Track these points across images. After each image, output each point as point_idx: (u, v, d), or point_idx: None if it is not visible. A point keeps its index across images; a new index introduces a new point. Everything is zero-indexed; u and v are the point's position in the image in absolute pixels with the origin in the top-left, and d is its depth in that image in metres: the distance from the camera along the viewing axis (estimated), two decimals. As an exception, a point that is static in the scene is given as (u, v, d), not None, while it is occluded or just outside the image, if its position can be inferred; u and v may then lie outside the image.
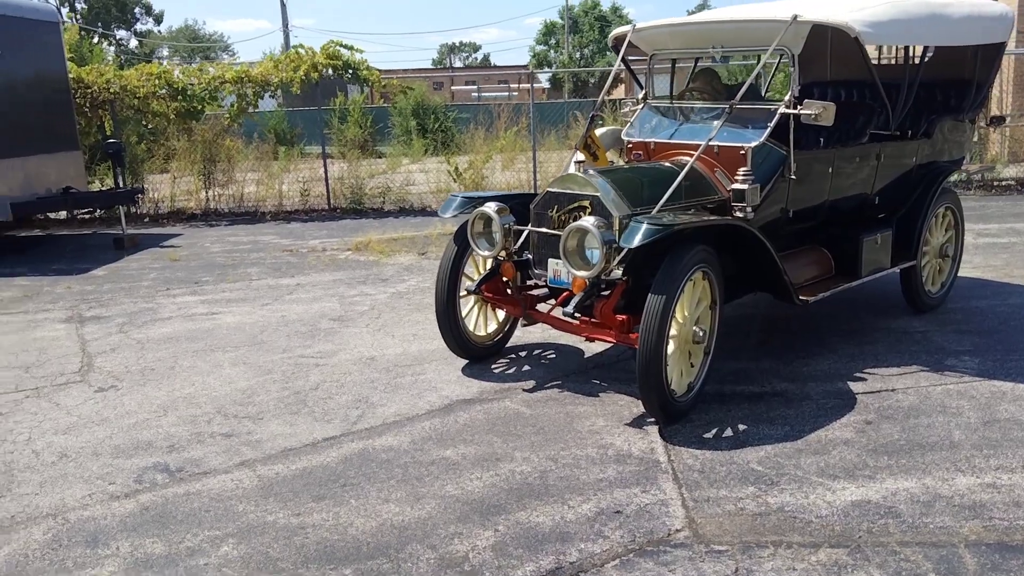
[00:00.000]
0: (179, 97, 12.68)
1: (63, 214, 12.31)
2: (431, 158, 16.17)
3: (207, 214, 12.91)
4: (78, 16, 54.09)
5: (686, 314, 4.38)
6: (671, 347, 4.25)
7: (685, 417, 4.42)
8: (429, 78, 41.83)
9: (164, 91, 12.64)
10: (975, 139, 12.46)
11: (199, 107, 12.84)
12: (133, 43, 60.74)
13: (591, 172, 4.74)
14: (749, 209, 4.76)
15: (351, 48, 13.12)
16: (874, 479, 3.75)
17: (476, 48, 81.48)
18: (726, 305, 4.82)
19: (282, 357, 5.68)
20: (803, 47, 5.03)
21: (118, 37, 58.64)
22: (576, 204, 4.63)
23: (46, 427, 4.60)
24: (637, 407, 4.55)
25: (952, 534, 3.29)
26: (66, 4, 53.25)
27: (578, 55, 57.22)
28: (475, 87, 41.37)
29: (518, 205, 5.00)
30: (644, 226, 4.14)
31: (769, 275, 4.85)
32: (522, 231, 4.91)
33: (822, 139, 5.53)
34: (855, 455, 3.98)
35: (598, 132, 5.88)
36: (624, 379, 5.01)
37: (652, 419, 4.40)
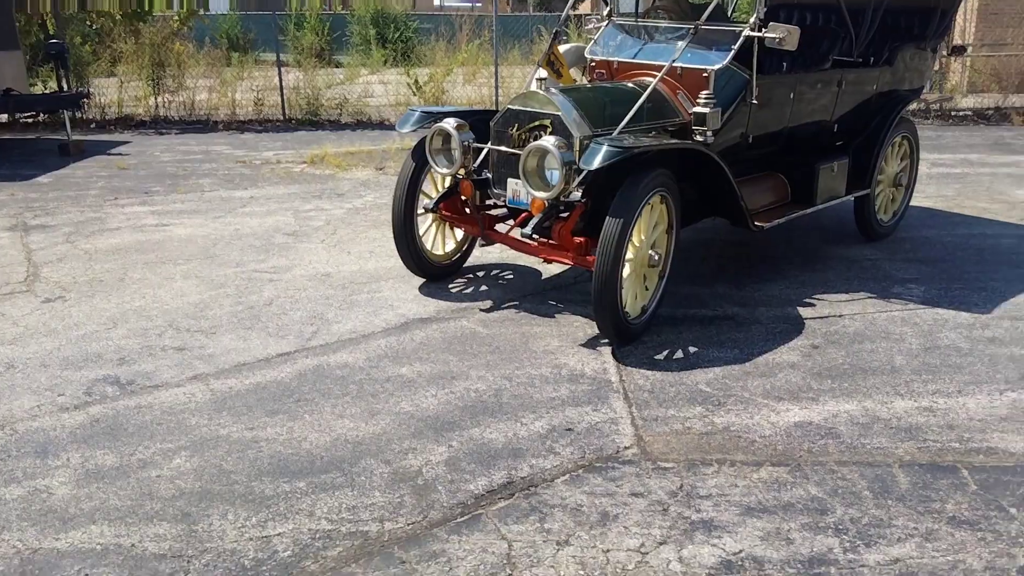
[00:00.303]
0: (125, -4, 12.13)
1: (4, 118, 11.81)
2: (391, 69, 15.78)
3: (156, 121, 12.49)
4: (15, -96, 50.94)
5: (643, 238, 4.40)
6: (627, 270, 4.28)
7: (638, 339, 4.48)
8: (389, -15, 40.44)
9: (109, -11, 12.07)
10: (935, 68, 12.51)
11: (146, 8, 12.30)
12: (76, -64, 57.55)
13: (553, 90, 4.65)
14: (710, 133, 4.73)
15: (308, -50, 12.62)
16: (817, 401, 3.87)
17: (438, -45, 78.60)
18: (684, 229, 4.86)
19: (235, 271, 5.61)
20: None
21: (59, -71, 55.51)
22: (537, 123, 4.57)
23: (-8, 337, 4.51)
24: (592, 328, 4.60)
25: (888, 454, 3.43)
26: None
27: (543, -33, 55.66)
28: (437, -3, 40.13)
29: (478, 122, 4.90)
30: (604, 148, 4.11)
31: (726, 200, 4.87)
32: (482, 149, 4.84)
33: (785, 64, 5.49)
34: (800, 378, 4.10)
35: (562, 49, 5.76)
36: (580, 300, 5.05)
37: (606, 340, 4.46)
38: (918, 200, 7.28)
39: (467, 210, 5.09)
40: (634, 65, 5.27)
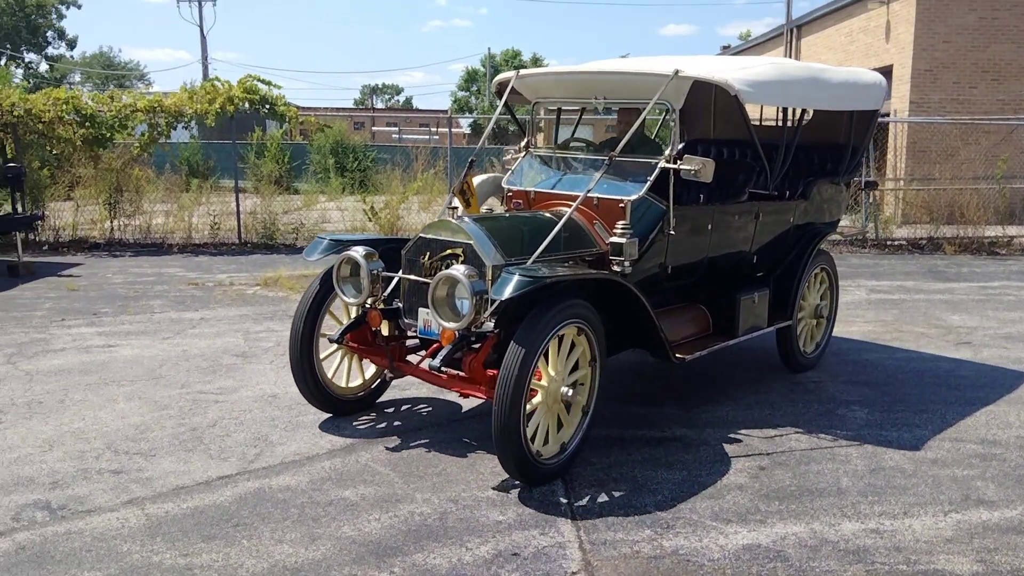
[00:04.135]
0: (87, 123, 12.33)
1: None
2: (348, 197, 16.08)
3: (111, 244, 12.49)
4: (-15, 37, 52.16)
5: (552, 373, 4.14)
6: (538, 405, 4.10)
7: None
8: (350, 117, 41.72)
9: (71, 116, 12.27)
10: (870, 201, 13.11)
11: (108, 135, 12.51)
12: (44, 67, 58.75)
13: (465, 219, 4.54)
14: (627, 263, 4.62)
15: (269, 83, 13.07)
16: (765, 523, 3.85)
17: (399, 90, 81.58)
18: (625, 352, 4.81)
19: (180, 392, 5.51)
20: (688, 104, 5.05)
21: (27, 60, 56.71)
22: (448, 251, 4.43)
23: (-83, 461, 4.33)
24: (540, 450, 4.55)
25: (836, 577, 3.40)
26: (-28, 24, 51.26)
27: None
28: (396, 129, 41.45)
29: (390, 250, 4.76)
30: (516, 277, 3.93)
31: (646, 332, 4.73)
32: (392, 278, 4.66)
33: (702, 195, 5.56)
34: (748, 500, 4.09)
35: (478, 180, 5.69)
36: (529, 422, 5.01)
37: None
38: (858, 325, 7.50)
39: (377, 341, 4.82)
40: (550, 195, 5.19)
